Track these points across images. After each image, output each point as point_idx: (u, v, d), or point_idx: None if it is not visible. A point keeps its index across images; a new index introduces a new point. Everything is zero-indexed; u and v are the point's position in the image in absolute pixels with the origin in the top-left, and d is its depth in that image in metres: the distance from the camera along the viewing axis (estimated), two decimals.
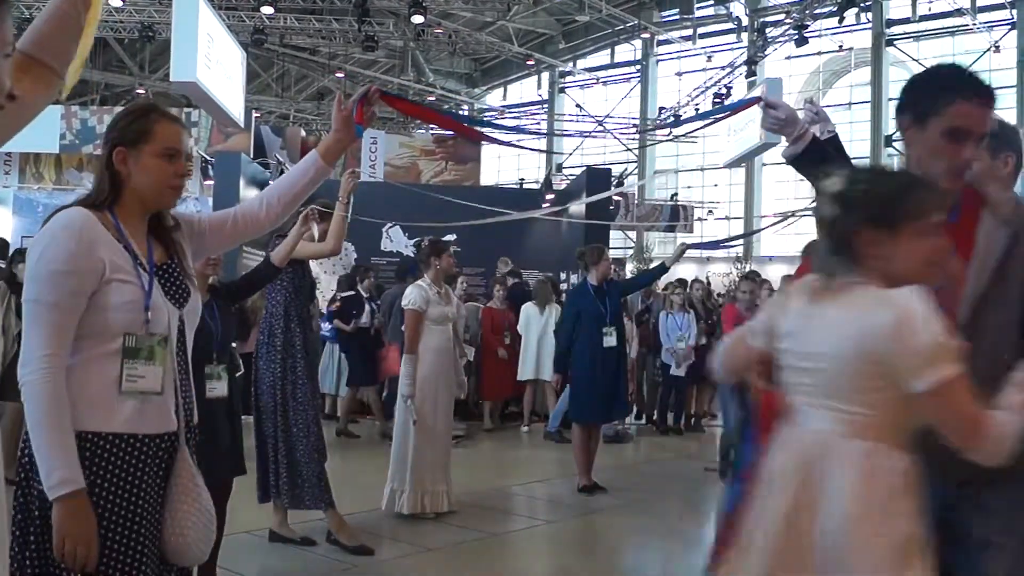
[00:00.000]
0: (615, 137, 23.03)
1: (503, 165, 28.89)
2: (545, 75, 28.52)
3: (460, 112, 26.38)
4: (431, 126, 18.91)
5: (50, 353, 1.79)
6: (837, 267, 1.73)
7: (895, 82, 23.57)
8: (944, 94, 1.95)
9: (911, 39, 22.82)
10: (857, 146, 21.16)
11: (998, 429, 1.57)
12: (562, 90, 28.71)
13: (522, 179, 26.72)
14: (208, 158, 15.89)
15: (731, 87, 21.25)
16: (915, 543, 1.59)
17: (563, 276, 11.07)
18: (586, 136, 22.89)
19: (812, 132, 2.69)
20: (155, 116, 1.97)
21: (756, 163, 23.25)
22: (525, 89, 29.49)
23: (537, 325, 9.03)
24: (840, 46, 23.03)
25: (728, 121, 16.07)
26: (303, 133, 21.47)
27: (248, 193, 10.59)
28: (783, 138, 2.69)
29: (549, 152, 23.84)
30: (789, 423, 1.76)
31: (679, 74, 26.50)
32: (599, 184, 11.20)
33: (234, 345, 3.98)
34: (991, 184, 2.06)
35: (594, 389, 6.24)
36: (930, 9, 22.07)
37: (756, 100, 2.81)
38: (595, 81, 27.96)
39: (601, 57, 28.01)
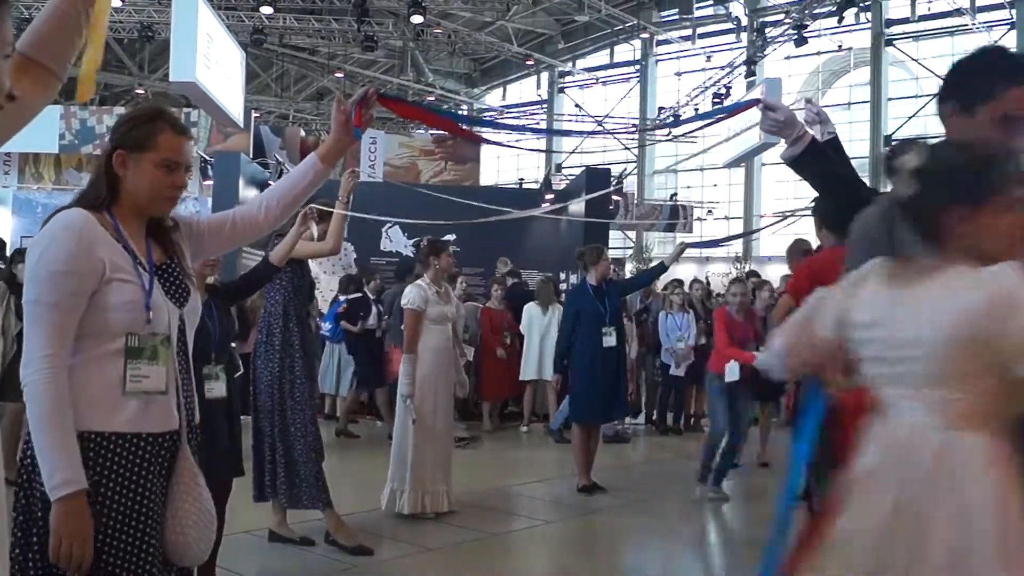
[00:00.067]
0: (615, 137, 23.02)
1: (502, 165, 28.88)
2: (544, 75, 28.54)
3: (460, 112, 26.37)
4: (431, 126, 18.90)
5: (51, 353, 1.79)
6: (918, 248, 1.63)
7: (894, 82, 23.59)
8: (999, 80, 1.87)
9: (910, 39, 22.82)
10: (857, 146, 21.17)
11: None
12: (561, 90, 28.71)
13: (521, 179, 26.73)
14: (207, 158, 15.87)
15: (730, 87, 21.26)
16: None
17: (562, 276, 11.07)
18: (586, 136, 22.90)
19: (811, 134, 2.69)
20: (161, 124, 1.96)
21: (755, 163, 23.25)
22: (524, 89, 29.49)
23: (539, 325, 9.03)
24: (839, 46, 23.04)
25: (728, 121, 16.08)
26: (302, 133, 21.47)
27: (247, 193, 10.58)
28: (782, 139, 2.69)
29: (548, 151, 23.84)
30: (878, 417, 1.66)
31: (678, 74, 26.51)
32: (598, 184, 11.19)
33: (233, 345, 3.98)
34: None
35: (594, 389, 6.24)
36: (929, 9, 22.07)
37: (755, 102, 2.81)
38: (594, 81, 27.97)
39: (600, 57, 28.01)
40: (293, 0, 20.31)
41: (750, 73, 20.30)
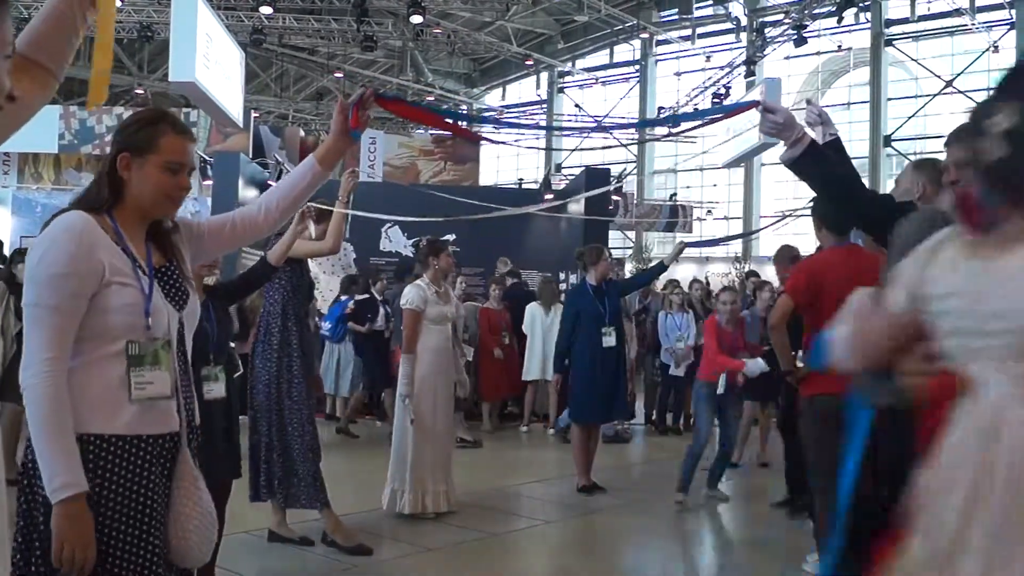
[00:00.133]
0: (614, 137, 23.03)
1: (502, 165, 28.90)
2: (544, 75, 28.55)
3: (460, 111, 26.37)
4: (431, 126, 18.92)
5: (51, 356, 1.79)
6: (1005, 215, 1.55)
7: (894, 82, 23.59)
8: None
9: (910, 39, 22.83)
10: (856, 146, 21.17)
11: None
12: (561, 90, 28.72)
13: (521, 179, 26.75)
14: (207, 158, 15.88)
15: (730, 87, 21.27)
16: None
17: (562, 276, 11.07)
18: (586, 135, 22.88)
19: (810, 136, 2.69)
20: (164, 127, 1.96)
21: (755, 163, 23.26)
22: (524, 89, 29.50)
23: (542, 325, 9.03)
24: (839, 46, 23.05)
25: (727, 121, 16.08)
26: (302, 133, 21.48)
27: (247, 193, 10.58)
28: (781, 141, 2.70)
29: (548, 149, 23.85)
30: (966, 395, 1.57)
31: (678, 74, 26.51)
32: (598, 184, 11.21)
33: (233, 345, 3.97)
34: None
35: (593, 389, 6.24)
36: (929, 9, 22.08)
37: (754, 104, 2.81)
38: (594, 81, 27.98)
39: (600, 57, 28.02)
40: (293, 0, 20.31)
41: (749, 73, 20.31)
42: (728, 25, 24.31)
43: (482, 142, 23.50)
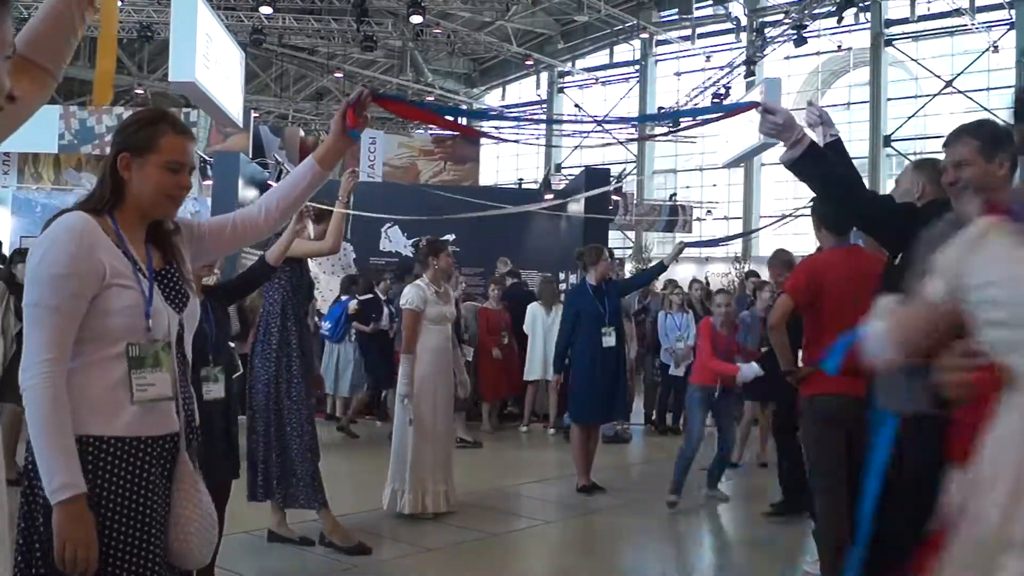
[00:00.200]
0: (613, 137, 23.01)
1: (501, 165, 28.91)
2: (544, 75, 28.54)
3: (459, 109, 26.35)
4: (430, 126, 18.94)
5: (51, 358, 1.79)
6: None
7: (894, 82, 23.59)
8: None
9: (910, 39, 22.83)
10: (856, 146, 21.17)
11: None
12: (561, 90, 28.71)
13: (520, 179, 26.75)
14: (207, 158, 15.88)
15: (730, 87, 21.27)
16: None
17: (562, 276, 11.08)
18: (585, 136, 22.88)
19: (809, 137, 2.69)
20: (163, 126, 1.96)
21: (755, 163, 23.26)
22: (524, 89, 29.50)
23: (544, 325, 9.03)
24: (839, 46, 23.04)
25: (727, 121, 16.08)
26: (302, 133, 21.47)
27: (247, 193, 10.58)
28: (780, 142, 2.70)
29: (548, 146, 23.84)
30: (1008, 388, 1.51)
31: (678, 74, 26.51)
32: (598, 184, 11.22)
33: (233, 345, 3.97)
34: None
35: (593, 389, 6.24)
36: (929, 9, 22.08)
37: (754, 105, 2.81)
38: (594, 81, 27.97)
39: (600, 57, 28.02)
40: (292, 0, 20.31)
41: (749, 73, 20.30)
42: (728, 25, 24.31)
43: (482, 141, 23.46)
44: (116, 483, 1.83)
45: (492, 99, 29.95)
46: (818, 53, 23.16)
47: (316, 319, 9.29)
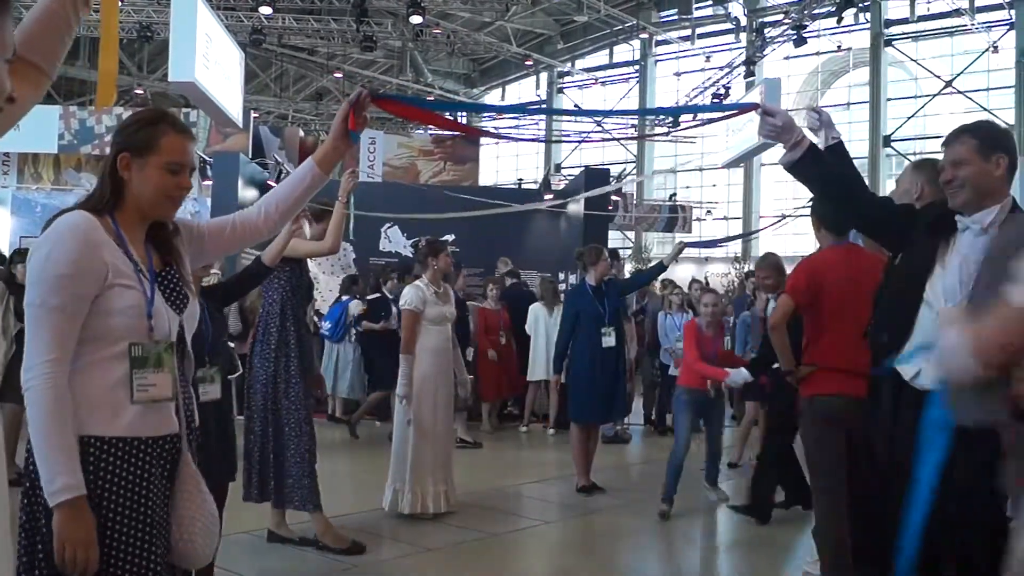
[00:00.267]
0: (613, 137, 23.02)
1: (501, 165, 28.91)
2: (543, 75, 28.56)
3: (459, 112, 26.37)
4: (429, 126, 18.94)
5: (53, 358, 1.79)
6: None
7: (893, 82, 23.60)
8: None
9: (909, 39, 22.85)
10: (856, 146, 21.18)
11: None
12: (560, 90, 28.73)
13: (520, 179, 26.75)
14: (206, 158, 15.88)
15: (729, 87, 21.27)
16: None
17: (561, 276, 11.08)
18: (585, 137, 22.90)
19: (809, 140, 2.68)
20: (164, 127, 1.96)
21: (755, 163, 23.27)
22: (523, 89, 29.51)
23: (545, 325, 9.03)
24: (839, 46, 23.06)
25: (727, 121, 16.09)
26: (301, 133, 21.47)
27: (246, 193, 10.58)
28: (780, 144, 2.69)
29: (548, 141, 23.83)
30: None
31: (677, 74, 26.53)
32: (597, 184, 11.22)
33: (232, 346, 3.97)
34: None
35: (593, 389, 6.24)
36: (928, 9, 22.10)
37: (754, 106, 2.80)
38: (593, 81, 27.98)
39: (599, 57, 28.03)
40: (292, 0, 20.31)
41: (749, 73, 20.31)
42: (728, 25, 24.32)
43: (482, 141, 23.45)
44: (117, 483, 1.83)
45: (492, 99, 29.97)
46: (818, 53, 23.18)
47: (316, 319, 9.29)
